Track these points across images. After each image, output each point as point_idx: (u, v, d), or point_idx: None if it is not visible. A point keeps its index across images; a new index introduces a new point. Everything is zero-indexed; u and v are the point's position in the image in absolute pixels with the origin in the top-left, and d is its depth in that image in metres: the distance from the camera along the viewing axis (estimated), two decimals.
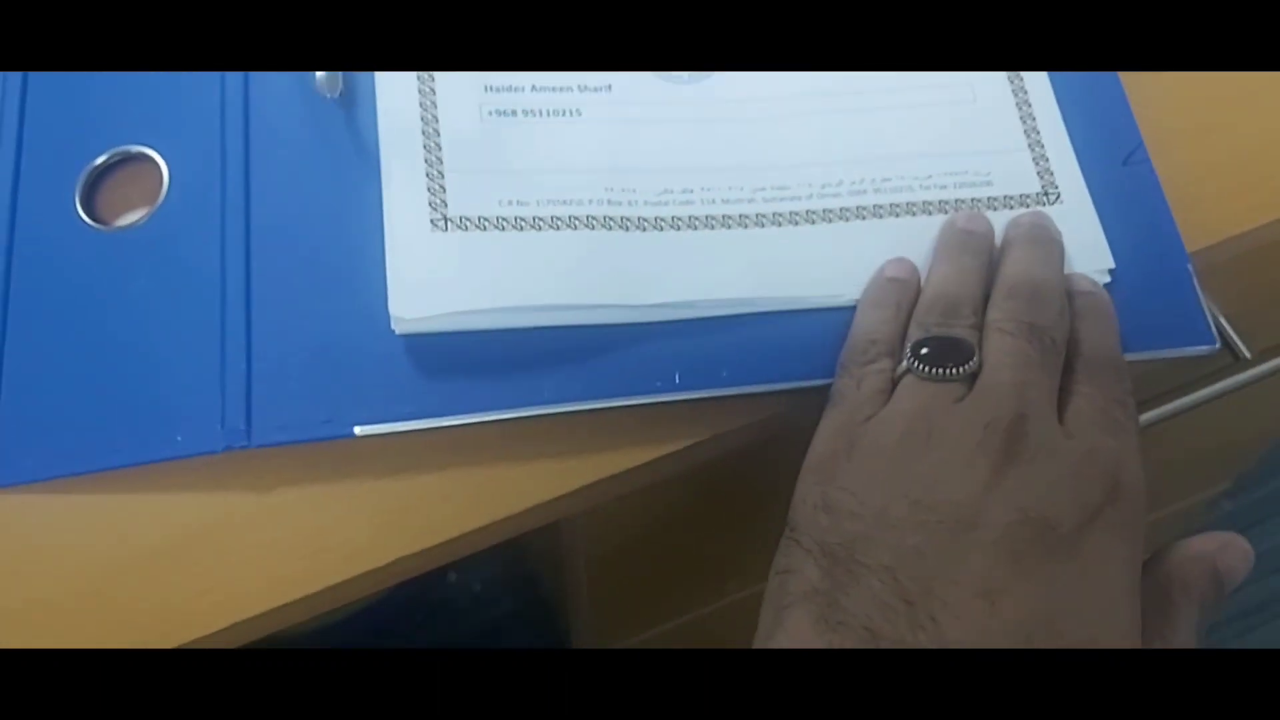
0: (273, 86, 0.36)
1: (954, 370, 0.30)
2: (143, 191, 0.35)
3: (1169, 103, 0.39)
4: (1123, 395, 0.31)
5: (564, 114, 0.36)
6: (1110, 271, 0.35)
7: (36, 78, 0.36)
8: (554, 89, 0.36)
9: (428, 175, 0.34)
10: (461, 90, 0.36)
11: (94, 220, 0.35)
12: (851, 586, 0.27)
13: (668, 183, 0.35)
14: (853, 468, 0.29)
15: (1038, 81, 0.38)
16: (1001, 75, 0.38)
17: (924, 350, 0.30)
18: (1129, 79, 0.38)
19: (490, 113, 0.35)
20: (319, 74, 0.34)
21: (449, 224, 0.33)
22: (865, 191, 0.36)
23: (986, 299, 0.32)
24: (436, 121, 0.35)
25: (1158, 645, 0.28)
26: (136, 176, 0.35)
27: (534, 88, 0.36)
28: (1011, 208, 0.36)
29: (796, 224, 0.35)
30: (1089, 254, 0.35)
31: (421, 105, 0.35)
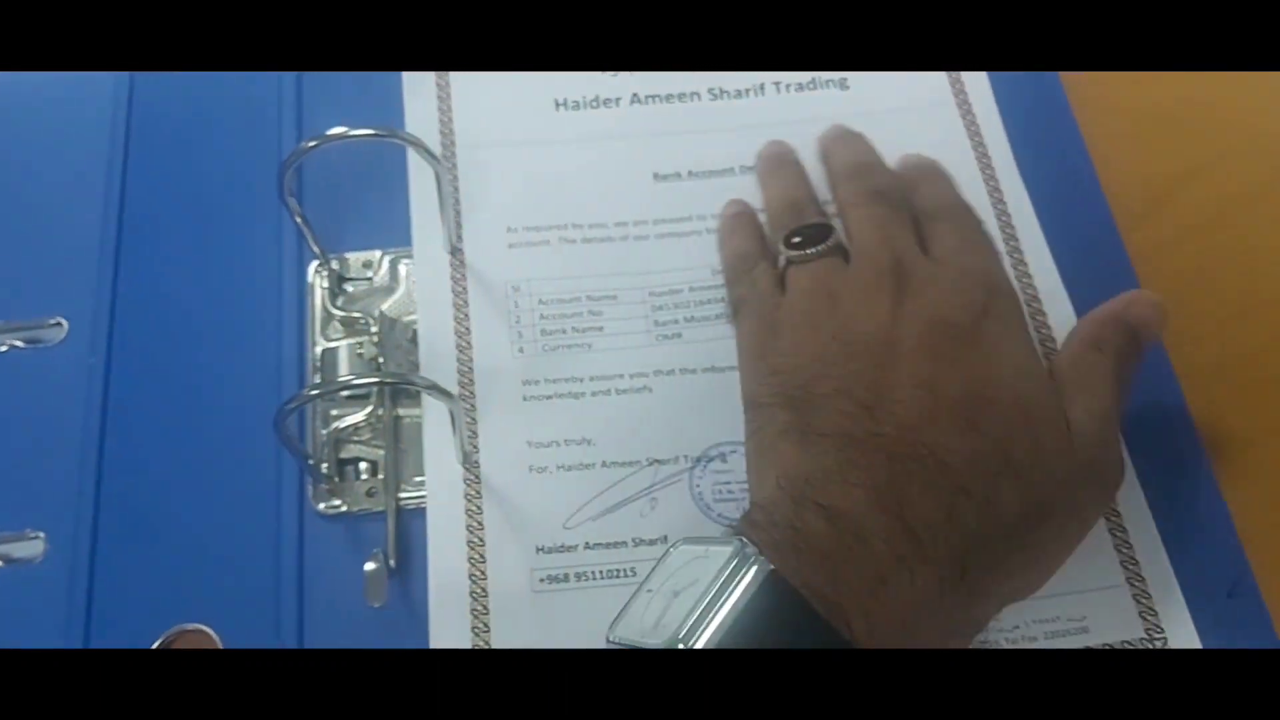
0: (325, 578, 0.34)
1: (826, 246, 0.35)
2: None
3: None
4: (974, 225, 0.36)
5: (618, 574, 0.34)
6: None
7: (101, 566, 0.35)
8: (608, 544, 0.34)
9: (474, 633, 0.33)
10: (511, 554, 0.34)
11: None
12: (817, 412, 0.31)
13: None
14: (782, 340, 0.34)
15: (1136, 509, 0.35)
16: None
17: (795, 239, 0.35)
18: None
19: (542, 579, 0.34)
20: (368, 585, 0.33)
21: None
22: None
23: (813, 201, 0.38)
24: (485, 594, 0.33)
25: (1081, 399, 0.32)
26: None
27: (587, 545, 0.34)
28: None
29: None
30: None
31: (471, 577, 0.33)
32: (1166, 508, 0.35)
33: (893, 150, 0.41)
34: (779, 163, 0.39)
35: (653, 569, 0.29)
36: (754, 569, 0.26)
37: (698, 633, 0.26)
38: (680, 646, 0.26)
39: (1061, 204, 0.40)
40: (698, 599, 0.26)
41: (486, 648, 0.32)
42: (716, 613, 0.26)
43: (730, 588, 0.26)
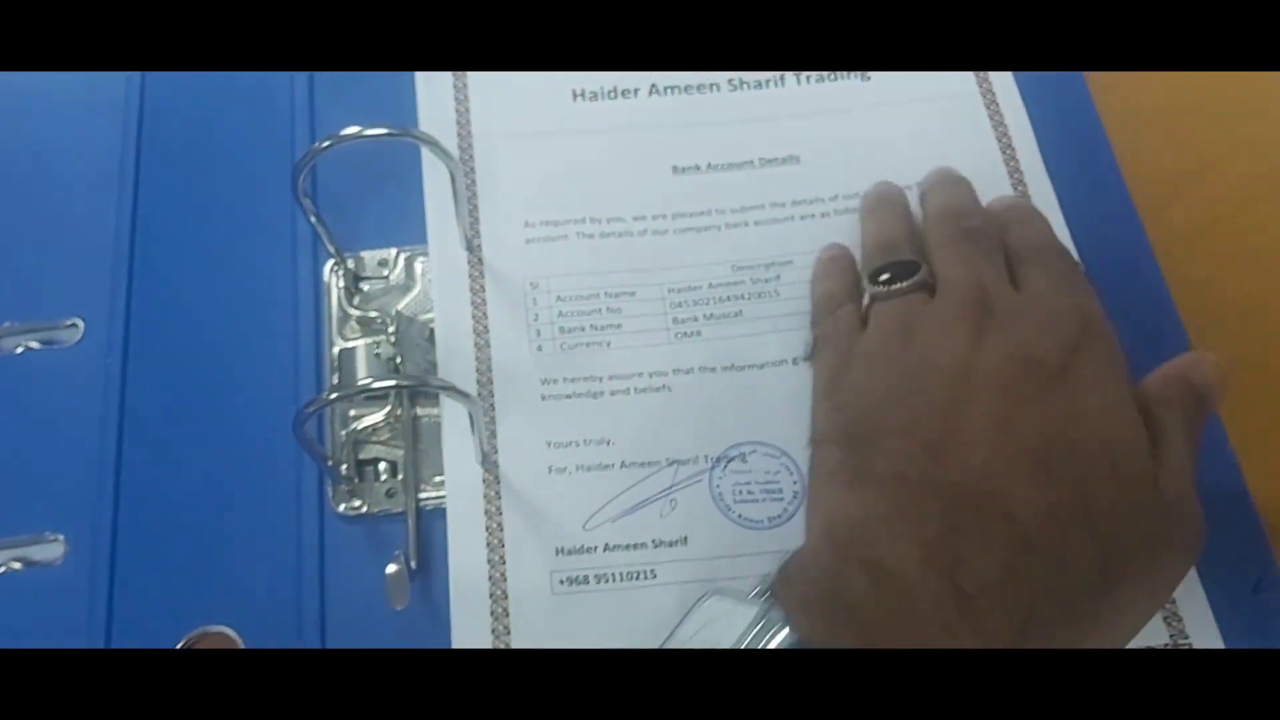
0: (347, 579, 0.34)
1: (912, 281, 0.32)
2: None
3: None
4: (1070, 267, 0.34)
5: (637, 576, 0.33)
6: None
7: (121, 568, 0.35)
8: (628, 546, 0.34)
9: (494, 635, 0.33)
10: (531, 555, 0.33)
11: None
12: (874, 450, 0.28)
13: None
14: (854, 376, 0.31)
15: None
16: None
17: (882, 276, 0.33)
18: None
19: (562, 581, 0.33)
20: (390, 588, 0.32)
21: None
22: None
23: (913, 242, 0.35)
24: (505, 595, 0.33)
25: (1159, 454, 0.29)
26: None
27: (606, 547, 0.34)
28: None
29: None
30: None
31: (491, 578, 0.33)
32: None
33: (916, 143, 0.40)
34: (879, 201, 0.37)
35: (682, 619, 0.27)
36: (780, 636, 0.25)
37: None
38: None
39: (1085, 196, 0.40)
40: None
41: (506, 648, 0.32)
42: None
43: None
